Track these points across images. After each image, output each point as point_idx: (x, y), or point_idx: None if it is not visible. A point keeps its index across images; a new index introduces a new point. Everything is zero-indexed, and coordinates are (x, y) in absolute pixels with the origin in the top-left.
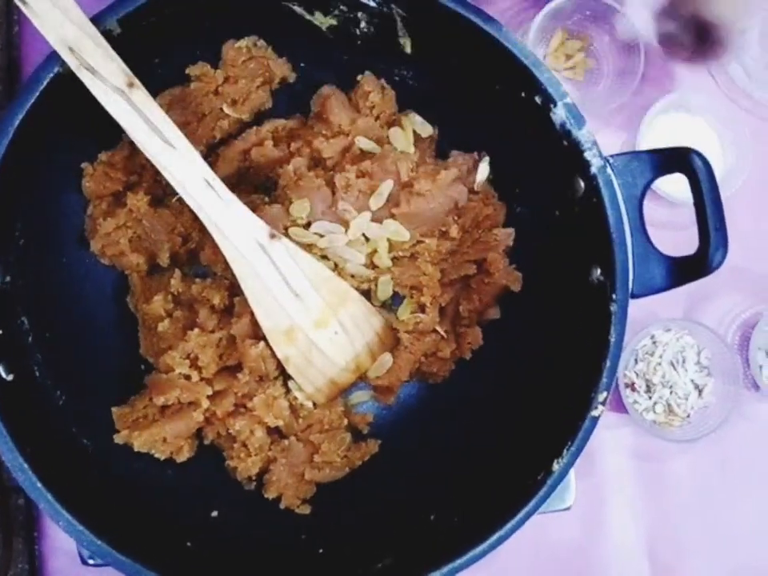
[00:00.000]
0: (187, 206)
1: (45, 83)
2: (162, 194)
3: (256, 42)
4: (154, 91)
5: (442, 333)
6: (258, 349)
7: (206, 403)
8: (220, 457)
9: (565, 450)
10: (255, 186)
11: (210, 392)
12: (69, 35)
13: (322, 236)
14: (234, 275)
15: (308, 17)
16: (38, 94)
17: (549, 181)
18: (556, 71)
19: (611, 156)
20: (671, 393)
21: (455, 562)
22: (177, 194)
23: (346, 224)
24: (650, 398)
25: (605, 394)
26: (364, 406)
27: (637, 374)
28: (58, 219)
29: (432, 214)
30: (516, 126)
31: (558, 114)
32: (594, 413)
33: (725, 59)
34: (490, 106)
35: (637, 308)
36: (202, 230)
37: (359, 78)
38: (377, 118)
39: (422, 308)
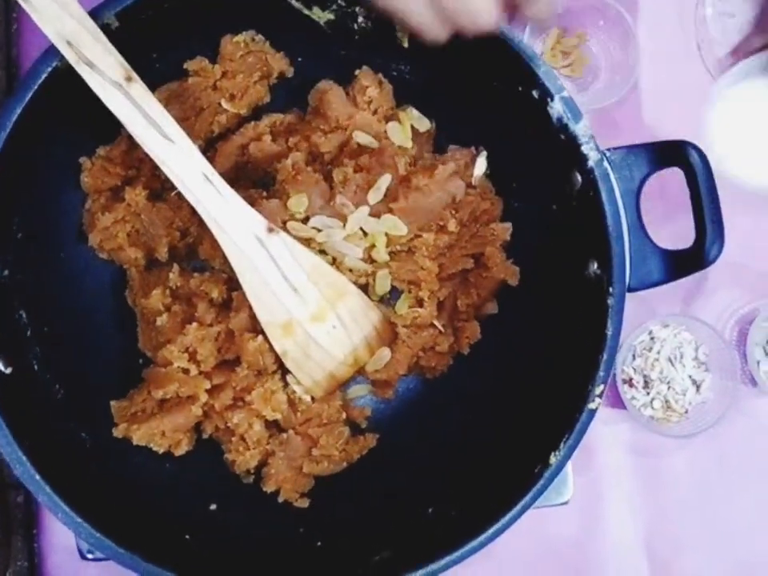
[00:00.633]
0: (186, 201)
1: (43, 77)
2: (161, 188)
3: (254, 37)
4: (152, 86)
5: (440, 327)
6: (256, 343)
7: (204, 397)
8: (218, 450)
9: (562, 443)
10: (253, 180)
11: (208, 386)
12: (67, 29)
13: (319, 230)
14: (232, 269)
15: (306, 11)
16: (36, 88)
17: (546, 175)
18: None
19: (608, 150)
20: (669, 388)
21: (452, 554)
22: (175, 188)
23: (343, 218)
24: (648, 393)
25: (602, 386)
26: (362, 399)
27: (635, 370)
28: (56, 214)
29: (430, 208)
30: (513, 121)
31: (555, 108)
32: (591, 406)
33: None
34: (487, 101)
35: (635, 304)
36: (201, 224)
37: (357, 72)
38: (374, 112)
39: (419, 302)
